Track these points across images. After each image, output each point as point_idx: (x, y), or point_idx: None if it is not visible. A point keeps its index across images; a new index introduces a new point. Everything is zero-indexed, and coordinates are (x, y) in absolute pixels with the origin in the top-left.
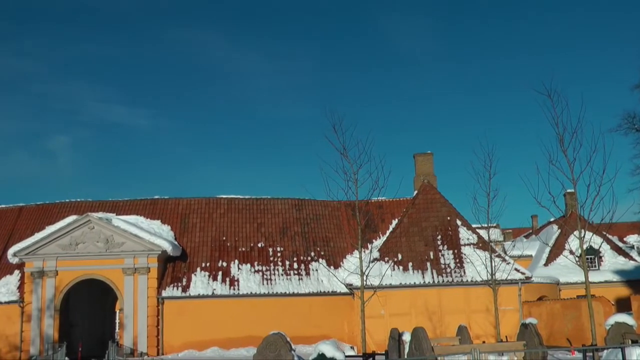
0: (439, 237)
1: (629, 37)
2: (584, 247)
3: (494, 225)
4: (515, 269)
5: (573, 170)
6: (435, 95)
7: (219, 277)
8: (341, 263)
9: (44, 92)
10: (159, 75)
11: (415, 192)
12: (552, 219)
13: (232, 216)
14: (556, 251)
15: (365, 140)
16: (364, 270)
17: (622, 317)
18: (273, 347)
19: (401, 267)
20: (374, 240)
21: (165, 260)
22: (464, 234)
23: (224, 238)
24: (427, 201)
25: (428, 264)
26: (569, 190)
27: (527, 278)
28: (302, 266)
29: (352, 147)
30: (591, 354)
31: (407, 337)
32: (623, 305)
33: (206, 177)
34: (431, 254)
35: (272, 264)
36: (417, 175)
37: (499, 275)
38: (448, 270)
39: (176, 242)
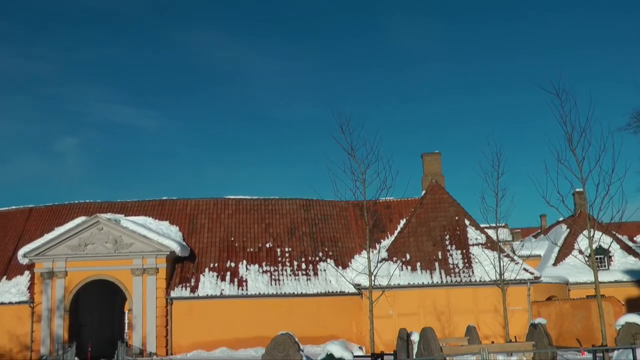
0: (447, 237)
1: (638, 35)
2: (594, 246)
3: (503, 225)
4: (524, 269)
5: (582, 169)
6: (442, 94)
7: (227, 278)
8: (349, 263)
9: (52, 94)
10: (166, 77)
11: (423, 192)
12: (561, 219)
13: (240, 217)
14: (565, 251)
15: (372, 140)
16: (372, 270)
17: (633, 318)
18: (281, 348)
19: (409, 267)
20: (382, 240)
21: (173, 260)
22: (472, 234)
23: (232, 238)
24: (435, 201)
25: (436, 264)
26: (577, 190)
27: (536, 278)
28: (310, 266)
29: (359, 147)
30: (601, 354)
31: (415, 337)
32: (633, 306)
33: (214, 178)
34: (439, 254)
35: (280, 265)
36: (424, 175)
37: (507, 275)
38: (456, 270)
39: (184, 243)
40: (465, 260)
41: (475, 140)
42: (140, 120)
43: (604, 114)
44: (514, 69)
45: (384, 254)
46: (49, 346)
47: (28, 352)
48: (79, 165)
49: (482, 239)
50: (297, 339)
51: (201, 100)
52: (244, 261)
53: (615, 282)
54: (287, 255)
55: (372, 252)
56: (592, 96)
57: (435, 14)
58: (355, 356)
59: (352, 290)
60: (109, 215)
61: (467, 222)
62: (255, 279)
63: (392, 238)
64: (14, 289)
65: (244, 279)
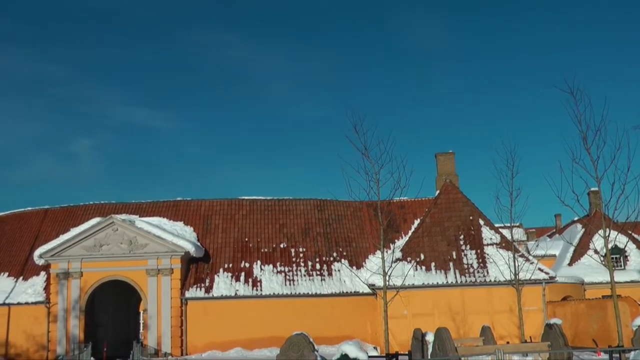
0: (462, 236)
1: None
2: (609, 246)
3: (517, 224)
4: (539, 269)
5: (597, 168)
6: (456, 94)
7: (242, 278)
8: (363, 263)
9: (67, 96)
10: (179, 78)
11: (437, 191)
12: (576, 218)
13: (254, 217)
14: (580, 250)
15: (386, 140)
16: (386, 271)
17: None
18: (296, 348)
19: (424, 267)
20: (396, 241)
21: (188, 261)
22: (487, 234)
23: (247, 239)
24: (449, 201)
25: (451, 264)
26: (593, 189)
27: (551, 278)
28: (325, 267)
29: (373, 147)
30: (618, 355)
31: (430, 338)
32: None
33: (228, 179)
34: (454, 253)
35: (294, 265)
36: (439, 175)
37: (522, 275)
38: (471, 270)
39: (199, 244)
40: (480, 260)
41: (489, 139)
42: (154, 122)
43: (619, 113)
44: (528, 68)
45: (398, 254)
46: (65, 346)
47: (44, 352)
48: (93, 166)
49: (496, 238)
50: (311, 339)
51: (214, 101)
52: (259, 261)
53: (632, 282)
54: (301, 255)
55: (387, 252)
56: (606, 95)
57: (449, 14)
58: (370, 356)
59: (367, 290)
60: (123, 216)
61: (481, 221)
62: (270, 279)
63: (406, 238)
64: (30, 289)
65: (258, 280)
